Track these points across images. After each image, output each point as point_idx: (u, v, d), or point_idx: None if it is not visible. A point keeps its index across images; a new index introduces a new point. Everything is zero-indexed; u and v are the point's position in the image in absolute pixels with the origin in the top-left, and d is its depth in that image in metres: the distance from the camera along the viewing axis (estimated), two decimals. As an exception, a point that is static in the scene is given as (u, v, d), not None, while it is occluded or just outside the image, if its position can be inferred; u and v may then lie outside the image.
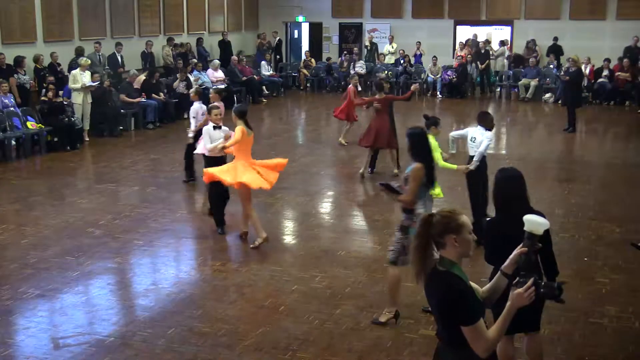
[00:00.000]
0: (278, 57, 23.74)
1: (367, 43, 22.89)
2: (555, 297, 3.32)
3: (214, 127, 8.54)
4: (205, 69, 18.78)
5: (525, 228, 3.64)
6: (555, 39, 21.04)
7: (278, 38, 23.72)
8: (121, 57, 17.11)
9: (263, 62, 21.55)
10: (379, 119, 11.29)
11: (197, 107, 10.42)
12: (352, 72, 21.92)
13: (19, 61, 14.21)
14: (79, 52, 15.50)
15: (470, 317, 3.13)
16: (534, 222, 3.57)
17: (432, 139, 7.82)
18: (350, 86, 14.14)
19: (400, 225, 5.98)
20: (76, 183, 11.64)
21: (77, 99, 14.21)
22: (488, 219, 5.00)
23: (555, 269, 4.76)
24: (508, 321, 3.20)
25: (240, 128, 7.85)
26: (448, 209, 3.30)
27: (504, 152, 14.60)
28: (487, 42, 21.86)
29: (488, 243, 4.71)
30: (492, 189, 4.82)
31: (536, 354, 4.99)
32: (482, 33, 22.37)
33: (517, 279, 3.27)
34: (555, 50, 20.93)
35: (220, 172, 7.94)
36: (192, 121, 10.38)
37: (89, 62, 14.45)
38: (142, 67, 17.71)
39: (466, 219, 3.30)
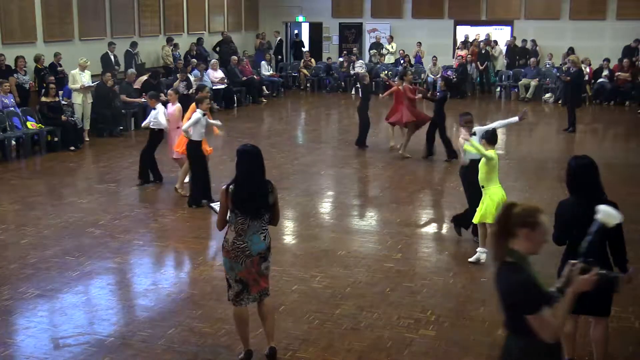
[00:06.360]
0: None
1: (375, 41, 22.88)
2: (610, 287, 3.50)
3: (203, 114, 9.64)
4: (205, 69, 18.76)
5: (597, 216, 3.68)
6: (524, 41, 21.40)
7: (279, 38, 23.75)
8: (115, 56, 16.99)
9: (263, 62, 21.54)
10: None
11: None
12: (352, 72, 21.95)
13: (16, 61, 14.18)
14: None
15: (533, 307, 3.24)
16: (607, 214, 3.58)
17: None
18: (405, 84, 12.94)
19: None
20: (76, 183, 11.64)
21: (77, 99, 14.23)
22: (560, 200, 5.08)
23: (625, 257, 4.84)
24: (571, 305, 3.34)
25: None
26: (533, 205, 3.41)
27: (501, 151, 14.57)
28: (488, 42, 21.85)
29: (557, 224, 4.84)
30: (565, 174, 4.97)
31: (602, 341, 4.97)
32: (482, 33, 22.36)
33: (578, 262, 3.38)
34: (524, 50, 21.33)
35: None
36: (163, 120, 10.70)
37: (88, 62, 14.43)
38: (124, 68, 17.14)
39: (546, 219, 3.37)
